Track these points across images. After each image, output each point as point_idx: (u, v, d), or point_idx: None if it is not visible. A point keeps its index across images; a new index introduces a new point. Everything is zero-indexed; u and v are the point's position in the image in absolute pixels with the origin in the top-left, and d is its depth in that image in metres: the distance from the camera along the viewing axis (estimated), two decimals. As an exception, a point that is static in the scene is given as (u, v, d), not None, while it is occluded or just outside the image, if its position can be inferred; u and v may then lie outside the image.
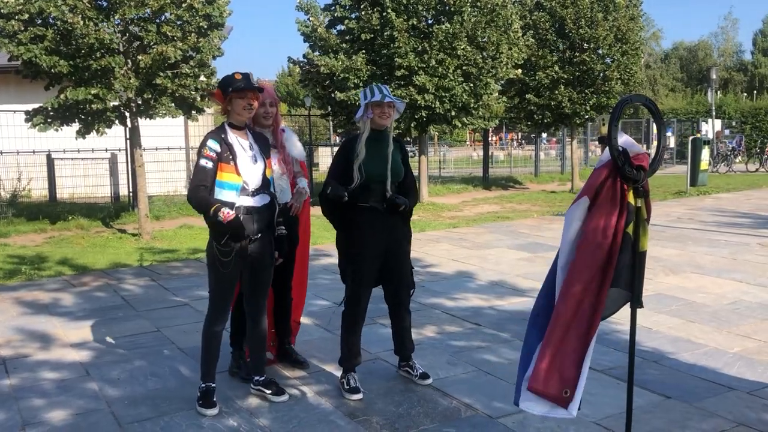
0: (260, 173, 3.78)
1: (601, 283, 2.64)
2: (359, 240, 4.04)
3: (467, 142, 43.82)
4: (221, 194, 3.69)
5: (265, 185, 3.83)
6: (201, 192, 3.68)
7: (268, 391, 4.04)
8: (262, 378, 4.07)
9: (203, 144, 3.71)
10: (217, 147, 3.68)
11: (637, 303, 2.72)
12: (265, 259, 3.91)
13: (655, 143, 27.53)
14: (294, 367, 4.59)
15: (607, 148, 2.50)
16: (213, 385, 3.94)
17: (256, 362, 4.10)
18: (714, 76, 27.45)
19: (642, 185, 2.54)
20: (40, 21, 9.59)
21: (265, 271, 3.94)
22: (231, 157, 3.70)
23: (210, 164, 3.67)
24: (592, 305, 2.66)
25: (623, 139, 2.56)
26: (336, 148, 24.00)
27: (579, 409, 2.81)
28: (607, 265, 2.59)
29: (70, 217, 12.08)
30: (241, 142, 3.77)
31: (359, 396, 4.04)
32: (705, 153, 18.36)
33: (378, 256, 4.07)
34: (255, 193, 3.76)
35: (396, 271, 4.17)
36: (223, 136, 3.72)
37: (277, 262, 4.08)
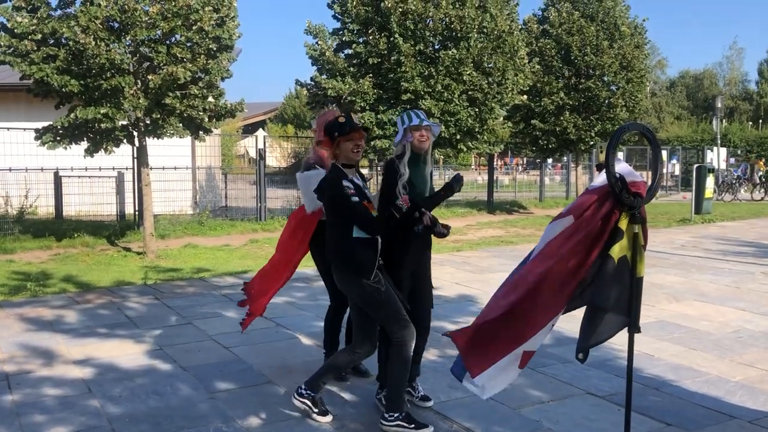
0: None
1: (550, 299, 2.76)
2: (398, 260, 4.09)
3: (472, 166, 43.90)
4: (360, 232, 3.76)
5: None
6: (374, 217, 3.77)
7: (411, 425, 3.84)
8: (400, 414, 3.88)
9: (338, 186, 3.73)
10: (351, 186, 3.75)
11: (634, 328, 2.75)
12: (389, 281, 3.94)
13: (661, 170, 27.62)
14: (296, 387, 4.59)
15: (604, 173, 2.55)
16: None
17: (394, 395, 3.91)
18: (719, 105, 27.54)
19: (639, 212, 2.57)
20: (52, 41, 9.75)
21: (391, 293, 3.90)
22: (364, 195, 3.82)
23: (358, 198, 3.73)
24: (528, 312, 2.79)
25: (621, 166, 2.61)
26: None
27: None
28: (563, 284, 2.70)
29: (75, 235, 12.14)
30: (358, 183, 3.86)
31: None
32: (710, 181, 18.39)
33: (410, 276, 4.16)
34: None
35: (421, 291, 4.25)
36: (350, 178, 3.80)
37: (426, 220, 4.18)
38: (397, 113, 13.55)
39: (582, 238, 2.67)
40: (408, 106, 13.64)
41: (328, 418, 4.03)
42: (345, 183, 3.74)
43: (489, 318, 2.98)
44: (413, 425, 3.81)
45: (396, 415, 3.83)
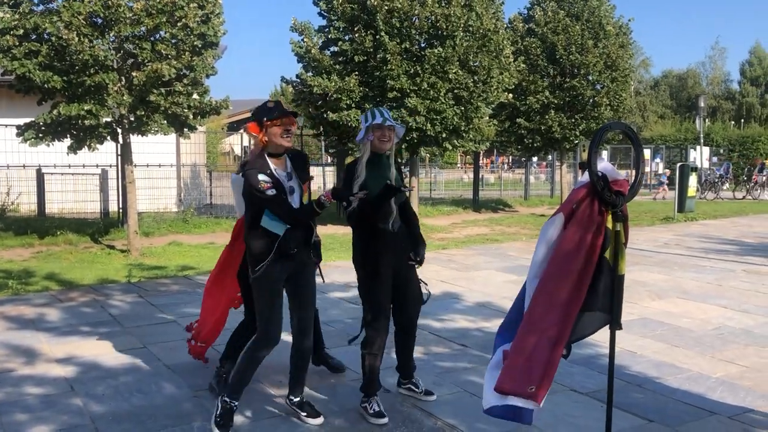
0: (298, 203, 3.78)
1: (569, 296, 2.70)
2: (374, 260, 4.03)
3: (458, 165, 44.04)
4: (271, 226, 3.70)
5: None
6: (293, 209, 3.71)
7: (303, 413, 4.01)
8: (297, 399, 4.06)
9: (253, 179, 3.62)
10: (269, 180, 3.65)
11: (615, 325, 2.77)
12: (307, 272, 3.91)
13: (645, 169, 27.82)
14: (280, 385, 4.59)
15: (588, 174, 2.57)
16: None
17: (296, 381, 4.06)
18: (702, 104, 27.78)
19: (621, 210, 2.60)
20: (35, 36, 9.65)
21: (308, 285, 3.93)
22: (282, 191, 3.70)
23: (275, 191, 3.64)
24: (561, 316, 2.72)
25: (603, 165, 2.63)
26: (327, 168, 24.04)
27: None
28: (577, 281, 2.66)
29: (58, 232, 12.04)
30: (280, 174, 3.74)
31: (384, 420, 3.97)
32: (693, 180, 18.57)
33: (390, 275, 4.08)
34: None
35: (405, 291, 4.19)
36: (269, 171, 3.68)
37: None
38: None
39: (580, 233, 2.67)
40: (394, 104, 13.64)
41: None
42: (261, 177, 3.62)
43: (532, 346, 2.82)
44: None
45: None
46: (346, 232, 13.10)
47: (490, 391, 2.83)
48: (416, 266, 4.20)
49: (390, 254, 4.06)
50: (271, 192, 3.62)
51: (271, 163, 3.72)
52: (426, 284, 4.35)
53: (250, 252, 3.79)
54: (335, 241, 11.58)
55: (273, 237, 3.70)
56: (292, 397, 4.07)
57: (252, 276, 3.78)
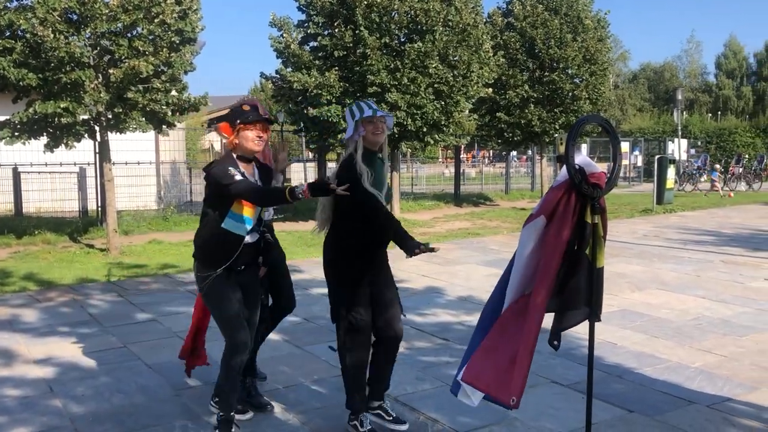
0: (259, 211, 3.63)
1: (546, 297, 2.73)
2: (354, 266, 3.73)
3: (439, 159, 44.09)
4: (236, 228, 3.52)
5: (259, 223, 3.68)
6: (264, 188, 3.56)
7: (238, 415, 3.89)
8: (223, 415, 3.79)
9: (224, 170, 3.46)
10: (238, 172, 3.49)
11: (594, 317, 2.79)
12: (254, 288, 3.77)
13: (624, 162, 28.05)
14: (260, 388, 4.57)
15: (565, 166, 2.58)
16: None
17: (217, 391, 3.88)
18: (680, 97, 28.05)
19: (598, 202, 2.61)
20: (8, 33, 9.49)
21: (255, 302, 3.79)
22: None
23: (241, 176, 3.47)
24: (537, 317, 2.75)
25: (580, 158, 2.64)
26: (308, 164, 23.84)
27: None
28: (553, 281, 2.69)
29: (36, 232, 11.89)
30: (247, 177, 3.57)
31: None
32: (671, 172, 18.75)
33: (368, 284, 3.76)
34: (251, 230, 3.60)
35: (383, 300, 3.78)
36: (239, 169, 3.52)
37: (261, 271, 3.98)
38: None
39: (564, 239, 2.69)
40: (374, 99, 13.62)
41: (249, 416, 4.00)
42: (230, 169, 3.47)
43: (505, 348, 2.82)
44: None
45: (219, 413, 3.72)
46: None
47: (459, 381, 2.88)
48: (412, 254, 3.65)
49: (365, 265, 3.75)
50: (238, 177, 3.45)
51: (240, 167, 3.56)
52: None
53: (207, 255, 3.58)
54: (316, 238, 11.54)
55: (234, 240, 3.53)
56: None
57: (202, 285, 3.60)
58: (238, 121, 3.52)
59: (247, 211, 3.55)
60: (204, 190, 3.73)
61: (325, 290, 3.93)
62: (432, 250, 3.38)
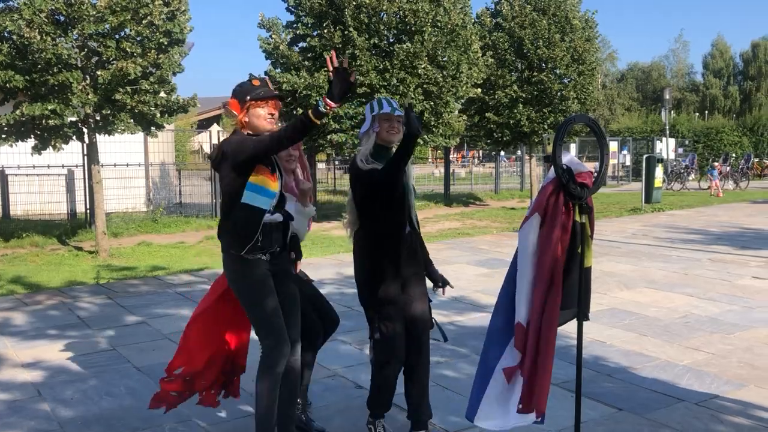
0: (281, 184, 3.37)
1: (554, 297, 2.74)
2: (384, 270, 3.63)
3: (429, 160, 44.15)
4: (255, 200, 3.19)
5: (282, 202, 3.40)
6: (282, 130, 3.12)
7: None
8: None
9: (238, 137, 3.20)
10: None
11: (583, 316, 2.81)
12: (290, 276, 3.49)
13: (612, 161, 28.16)
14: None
15: (553, 167, 2.59)
16: None
17: (284, 419, 3.45)
18: (668, 97, 28.21)
19: (585, 202, 2.63)
20: (-5, 35, 9.44)
21: (292, 290, 3.47)
22: (268, 161, 3.24)
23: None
24: (551, 318, 2.76)
25: (567, 158, 2.66)
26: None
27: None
28: (556, 281, 2.69)
29: (24, 235, 11.81)
30: None
31: None
32: (659, 171, 18.86)
33: (400, 289, 3.68)
34: (274, 210, 3.31)
35: (413, 310, 3.72)
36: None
37: (297, 266, 3.81)
38: (352, 107, 13.51)
39: (554, 231, 2.70)
40: (363, 100, 13.62)
41: None
42: (248, 138, 3.21)
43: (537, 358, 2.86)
44: None
45: None
46: (317, 228, 13.05)
47: (481, 406, 2.86)
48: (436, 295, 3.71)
49: (396, 267, 3.64)
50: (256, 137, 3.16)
51: None
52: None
53: (233, 230, 3.23)
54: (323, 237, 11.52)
55: (257, 212, 3.21)
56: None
57: (235, 268, 3.25)
58: (249, 98, 3.24)
59: (267, 182, 3.25)
60: (215, 179, 3.37)
61: (334, 289, 3.92)
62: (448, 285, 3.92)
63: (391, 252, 3.61)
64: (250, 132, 3.27)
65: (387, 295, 3.59)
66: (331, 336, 4.05)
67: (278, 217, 3.34)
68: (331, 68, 3.02)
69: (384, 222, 3.61)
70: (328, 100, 2.97)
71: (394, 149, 3.58)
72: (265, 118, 3.26)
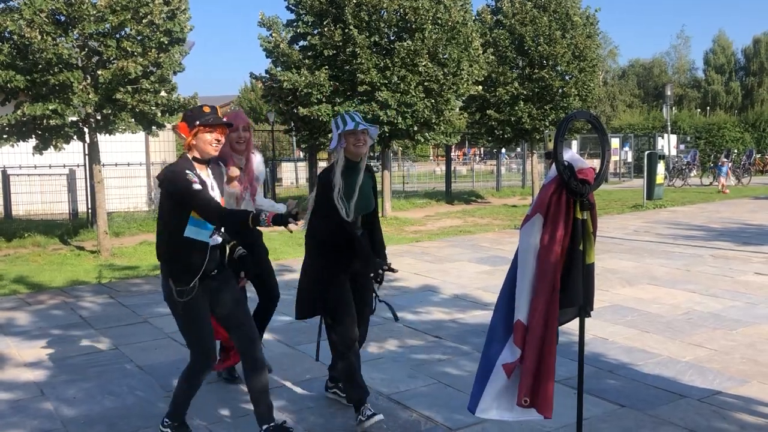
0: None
1: (553, 295, 2.74)
2: (336, 265, 3.87)
3: (430, 157, 44.17)
4: (199, 234, 3.41)
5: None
6: (223, 208, 3.39)
7: None
8: (273, 424, 3.67)
9: (181, 174, 3.36)
10: (195, 177, 3.39)
11: (585, 313, 2.81)
12: (229, 290, 3.65)
13: (615, 158, 28.13)
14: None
15: (554, 164, 2.59)
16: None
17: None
18: (669, 93, 28.18)
19: (587, 198, 2.62)
20: (-5, 35, 9.44)
21: (234, 301, 3.67)
22: (208, 190, 3.44)
23: (200, 187, 3.36)
24: (553, 316, 2.76)
25: (569, 155, 2.65)
26: (299, 163, 23.80)
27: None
28: (556, 278, 2.69)
29: (26, 235, 11.82)
30: (204, 180, 3.47)
31: (380, 416, 3.82)
32: (661, 167, 18.83)
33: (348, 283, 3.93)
34: (212, 234, 3.50)
35: (360, 303, 4.00)
36: (195, 173, 3.42)
37: (242, 282, 4.00)
38: (353, 105, 13.50)
39: (557, 231, 2.70)
40: (364, 98, 13.62)
41: None
42: (190, 174, 3.37)
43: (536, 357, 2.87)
44: None
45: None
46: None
47: (482, 398, 2.89)
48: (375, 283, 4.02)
49: (347, 263, 3.89)
50: (197, 187, 3.34)
51: (196, 168, 3.46)
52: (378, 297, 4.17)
53: (175, 267, 3.45)
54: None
55: (200, 247, 3.43)
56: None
57: (177, 298, 3.45)
58: (198, 123, 3.40)
59: None
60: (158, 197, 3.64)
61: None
62: (393, 270, 4.01)
63: (333, 254, 3.87)
64: (197, 155, 3.47)
65: (335, 292, 3.88)
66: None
67: (217, 239, 3.55)
68: (289, 226, 3.25)
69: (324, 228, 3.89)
70: (270, 220, 3.23)
71: (363, 161, 3.89)
72: (211, 143, 3.44)
